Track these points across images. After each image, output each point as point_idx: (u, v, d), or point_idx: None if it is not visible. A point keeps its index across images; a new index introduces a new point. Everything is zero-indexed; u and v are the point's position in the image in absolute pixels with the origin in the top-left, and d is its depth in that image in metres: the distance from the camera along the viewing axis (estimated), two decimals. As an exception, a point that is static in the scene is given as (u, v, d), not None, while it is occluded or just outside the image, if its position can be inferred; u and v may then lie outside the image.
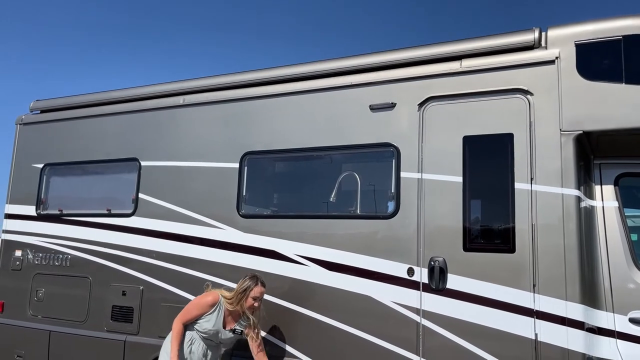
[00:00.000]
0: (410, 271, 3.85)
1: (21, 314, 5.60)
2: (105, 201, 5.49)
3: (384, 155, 4.15)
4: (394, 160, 4.04)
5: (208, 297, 3.92)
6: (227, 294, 3.92)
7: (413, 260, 3.85)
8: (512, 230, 3.57)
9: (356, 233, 4.10)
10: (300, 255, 4.28)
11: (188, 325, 3.95)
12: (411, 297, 3.82)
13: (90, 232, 5.39)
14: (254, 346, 3.94)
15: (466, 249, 3.69)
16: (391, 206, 4.01)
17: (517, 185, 3.59)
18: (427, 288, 3.78)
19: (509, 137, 3.67)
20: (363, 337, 3.90)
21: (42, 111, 6.15)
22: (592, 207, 3.61)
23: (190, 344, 3.92)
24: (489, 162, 3.76)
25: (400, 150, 4.01)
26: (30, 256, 5.70)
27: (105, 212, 5.38)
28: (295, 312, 4.22)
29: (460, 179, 3.78)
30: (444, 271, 3.73)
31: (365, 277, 4.00)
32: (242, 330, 3.95)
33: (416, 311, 3.79)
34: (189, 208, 4.87)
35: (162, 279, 4.87)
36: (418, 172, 3.93)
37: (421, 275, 3.81)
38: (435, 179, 3.86)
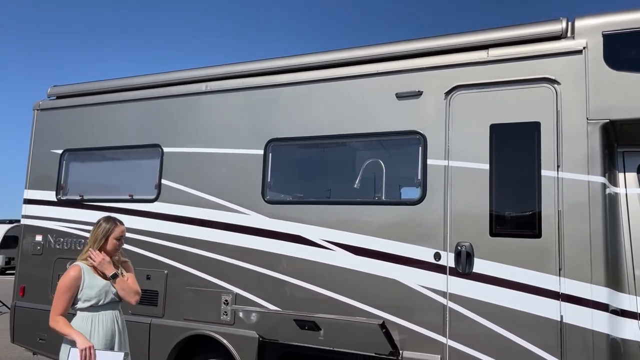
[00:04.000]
0: (437, 256, 3.95)
1: (43, 298, 5.67)
2: (127, 187, 5.55)
3: (410, 142, 4.23)
4: (420, 148, 4.13)
5: (69, 272, 3.44)
6: (84, 255, 3.54)
7: (440, 245, 3.96)
8: (539, 216, 3.68)
9: (382, 219, 4.20)
10: (326, 240, 4.37)
11: (79, 313, 3.45)
12: (438, 280, 3.93)
13: (112, 218, 5.45)
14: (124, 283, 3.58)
15: (493, 234, 3.80)
16: (418, 193, 4.11)
17: (544, 173, 3.69)
18: (453, 272, 3.89)
19: (536, 125, 3.76)
20: (390, 320, 4.01)
21: (59, 97, 6.17)
22: (616, 193, 3.72)
23: (91, 323, 3.42)
24: (515, 149, 3.85)
25: (427, 138, 4.10)
26: (51, 241, 5.77)
27: (128, 197, 5.45)
28: (321, 294, 4.32)
29: (487, 166, 3.87)
30: (470, 256, 3.84)
31: (391, 261, 4.11)
32: (121, 273, 3.61)
33: (443, 294, 3.91)
34: (212, 194, 4.94)
35: (187, 263, 4.96)
36: (445, 159, 4.02)
37: (448, 259, 3.92)
38: (462, 166, 3.96)
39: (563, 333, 3.52)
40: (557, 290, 3.57)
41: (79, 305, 3.46)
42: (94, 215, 5.52)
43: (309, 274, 4.40)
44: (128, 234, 5.30)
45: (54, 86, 6.20)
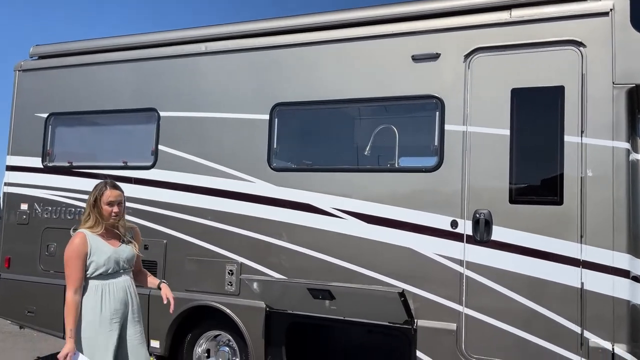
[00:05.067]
0: (454, 223, 3.87)
1: (31, 269, 5.41)
2: (120, 153, 5.28)
3: (427, 107, 4.09)
4: (437, 113, 3.99)
5: (73, 240, 3.23)
6: (87, 223, 3.28)
7: (457, 212, 3.87)
8: (561, 182, 3.61)
9: (397, 186, 4.08)
10: (337, 208, 4.23)
11: (88, 282, 3.23)
12: (454, 249, 3.85)
13: (104, 185, 5.18)
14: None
15: (512, 201, 3.72)
16: (434, 159, 3.99)
17: (567, 138, 3.61)
18: (471, 240, 3.81)
19: (560, 89, 3.65)
20: (404, 289, 3.92)
21: (42, 57, 5.77)
22: (638, 160, 3.67)
23: (101, 293, 3.21)
24: (538, 114, 3.75)
25: (445, 103, 3.96)
26: (38, 210, 5.47)
27: (122, 164, 5.18)
28: (331, 264, 4.20)
29: (507, 132, 3.77)
30: (489, 223, 3.76)
31: (406, 229, 4.01)
32: (131, 237, 3.44)
33: (459, 262, 3.84)
34: (214, 160, 4.72)
35: (188, 233, 4.77)
36: (463, 124, 3.89)
37: (465, 227, 3.83)
38: (482, 132, 3.84)
39: (583, 300, 3.50)
40: (578, 257, 3.53)
41: (88, 273, 3.24)
42: (85, 183, 5.27)
43: (318, 243, 4.27)
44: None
45: (37, 45, 5.79)
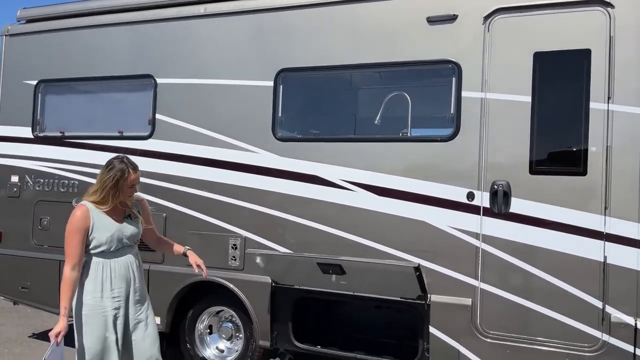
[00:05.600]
0: (470, 195, 3.69)
1: (24, 243, 5.21)
2: (115, 122, 5.02)
3: (443, 73, 3.88)
4: (454, 79, 3.77)
5: (75, 212, 3.05)
6: (93, 197, 3.10)
7: (474, 184, 3.69)
8: (585, 152, 3.43)
9: (410, 157, 3.89)
10: (346, 180, 4.04)
11: (90, 257, 3.09)
12: (470, 221, 3.69)
13: (99, 156, 4.90)
14: (146, 221, 3.33)
15: (533, 171, 3.55)
16: (450, 128, 3.79)
17: (593, 105, 3.42)
18: (488, 212, 3.65)
19: (586, 53, 3.45)
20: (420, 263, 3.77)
21: (30, 21, 5.44)
22: (665, 129, 3.49)
23: (102, 271, 3.07)
24: (562, 80, 3.55)
25: (462, 68, 3.74)
26: (29, 182, 5.23)
27: (117, 134, 4.93)
28: (339, 238, 4.03)
29: (529, 99, 3.57)
30: (507, 195, 3.59)
31: (419, 202, 3.83)
32: (138, 212, 3.27)
33: (475, 236, 3.68)
34: (216, 130, 4.49)
35: (188, 206, 4.56)
36: (481, 91, 3.68)
37: (482, 199, 3.67)
38: (501, 99, 3.64)
39: (606, 274, 3.36)
40: (602, 230, 3.38)
41: (90, 249, 3.06)
42: (78, 154, 5.04)
43: (326, 217, 4.09)
44: (118, 175, 4.89)
45: (25, 8, 5.45)
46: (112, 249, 3.10)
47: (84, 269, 3.07)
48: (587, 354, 3.38)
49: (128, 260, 3.16)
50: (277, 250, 4.19)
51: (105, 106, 5.20)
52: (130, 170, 3.12)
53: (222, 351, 4.68)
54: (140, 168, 4.67)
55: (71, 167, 5.03)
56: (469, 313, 3.67)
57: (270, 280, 4.23)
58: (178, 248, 3.48)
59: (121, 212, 3.19)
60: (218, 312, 4.71)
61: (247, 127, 4.38)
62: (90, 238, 3.05)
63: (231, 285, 4.39)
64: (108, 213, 3.11)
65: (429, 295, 3.76)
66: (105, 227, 3.08)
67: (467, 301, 3.68)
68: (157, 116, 4.71)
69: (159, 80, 4.71)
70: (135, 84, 4.92)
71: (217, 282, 4.44)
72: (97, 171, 4.78)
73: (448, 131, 3.79)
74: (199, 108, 4.56)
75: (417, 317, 3.84)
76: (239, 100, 4.41)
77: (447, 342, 3.72)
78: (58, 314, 4.74)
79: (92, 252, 3.07)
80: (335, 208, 4.05)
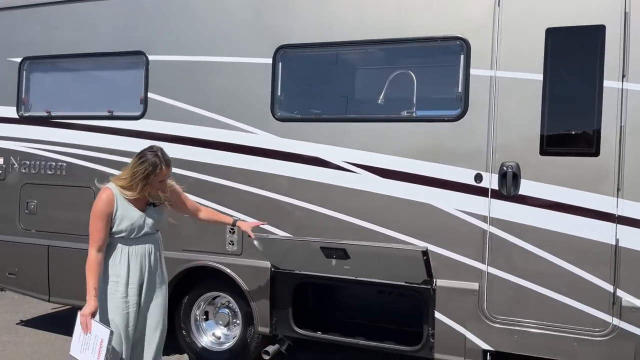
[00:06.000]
0: (478, 177, 3.58)
1: (10, 228, 5.01)
2: (105, 101, 4.80)
3: (450, 50, 3.73)
4: (462, 56, 3.62)
5: (101, 195, 3.04)
6: (121, 182, 3.07)
7: (482, 165, 3.58)
8: (598, 132, 3.33)
9: (416, 137, 3.75)
10: (349, 162, 3.90)
11: (111, 242, 3.11)
12: (478, 204, 3.58)
13: (88, 137, 4.74)
14: (181, 205, 3.42)
15: (543, 152, 3.44)
16: (457, 107, 3.65)
17: (606, 83, 3.31)
18: (496, 195, 3.54)
19: (600, 29, 3.32)
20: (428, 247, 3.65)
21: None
22: (679, 108, 3.40)
23: (120, 256, 3.11)
24: (574, 57, 3.42)
25: (471, 44, 3.59)
26: (14, 164, 5.00)
27: (107, 114, 4.72)
28: (342, 221, 3.91)
29: (540, 77, 3.44)
30: (517, 176, 3.48)
31: (425, 184, 3.71)
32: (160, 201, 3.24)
33: (483, 219, 3.57)
34: (212, 110, 4.31)
35: (183, 189, 4.37)
36: (491, 69, 3.55)
37: (491, 181, 3.55)
38: (512, 77, 3.51)
39: (617, 258, 3.28)
40: (614, 212, 3.29)
41: (112, 232, 3.10)
42: (66, 135, 4.82)
43: (328, 200, 3.95)
44: (109, 156, 4.70)
45: (5, -20, 5.17)
46: (131, 236, 3.11)
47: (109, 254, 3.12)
48: (597, 339, 3.32)
49: (146, 249, 3.17)
50: (277, 235, 4.05)
51: (94, 84, 4.97)
52: (163, 166, 3.07)
53: (218, 338, 4.56)
54: (132, 149, 4.61)
55: (58, 148, 4.81)
56: (475, 297, 3.58)
57: (269, 266, 4.10)
58: (225, 219, 3.67)
59: (145, 200, 3.17)
60: (214, 298, 4.58)
61: (245, 107, 4.20)
62: (112, 222, 3.06)
63: (228, 270, 4.26)
64: (132, 201, 3.09)
65: (434, 280, 3.66)
66: (127, 216, 3.08)
67: (474, 285, 3.58)
68: (149, 95, 4.51)
69: (150, 57, 4.50)
70: (125, 61, 4.69)
71: (214, 267, 4.30)
72: (86, 153, 4.76)
73: (456, 111, 3.65)
74: (193, 87, 4.36)
75: (422, 302, 3.74)
76: (236, 78, 4.23)
77: (453, 327, 3.63)
78: (46, 300, 4.61)
79: (113, 235, 3.10)
80: (338, 191, 3.92)
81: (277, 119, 4.10)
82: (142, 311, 3.18)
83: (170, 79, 4.45)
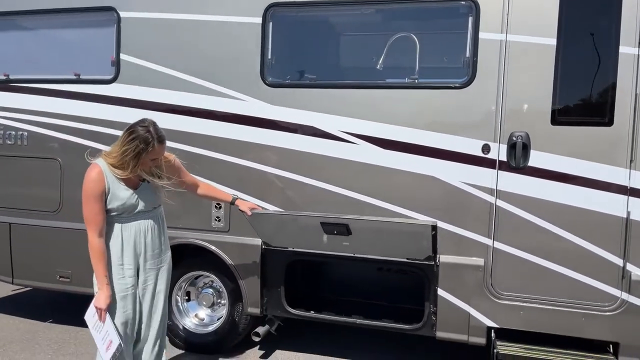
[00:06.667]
0: (486, 148, 3.40)
1: (-36, 205, 4.50)
2: (71, 64, 4.32)
3: (458, 11, 3.49)
4: (470, 18, 3.39)
5: (89, 174, 2.75)
6: (111, 159, 2.78)
7: (489, 135, 3.39)
8: (612, 100, 3.19)
9: (419, 105, 3.52)
10: (346, 131, 3.64)
11: (107, 223, 2.85)
12: (485, 176, 3.41)
13: (53, 103, 4.27)
14: (179, 181, 3.14)
15: (555, 122, 3.28)
16: (465, 74, 3.43)
17: (622, 49, 3.16)
18: (504, 166, 3.38)
19: (618, -8, 3.15)
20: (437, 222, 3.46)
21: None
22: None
23: (113, 233, 2.87)
24: (589, 21, 3.24)
25: (480, 6, 3.36)
26: (-32, 134, 4.47)
27: (73, 77, 4.25)
28: (340, 195, 3.67)
29: (553, 41, 3.26)
30: (526, 147, 3.32)
31: (429, 155, 3.50)
32: (157, 175, 2.94)
33: (490, 192, 3.41)
34: (195, 74, 3.93)
35: (163, 161, 4.01)
36: (502, 32, 3.33)
37: (499, 152, 3.38)
38: (523, 41, 3.31)
39: (628, 231, 3.19)
40: (626, 184, 3.18)
41: (111, 215, 2.86)
42: (27, 101, 4.32)
43: (323, 173, 3.69)
44: (77, 125, 4.27)
45: None
46: (123, 215, 2.87)
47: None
48: (606, 313, 3.25)
49: (140, 226, 2.91)
50: (268, 210, 3.78)
51: (59, 45, 4.46)
52: (156, 143, 2.76)
53: (202, 319, 4.28)
54: (103, 117, 4.20)
55: (19, 115, 4.33)
56: (481, 273, 3.44)
57: (260, 243, 3.83)
58: (224, 196, 3.46)
59: (137, 177, 2.88)
60: (196, 278, 4.28)
61: (232, 71, 3.85)
62: (107, 204, 2.82)
63: (213, 248, 3.96)
64: (123, 179, 2.82)
65: (438, 256, 3.50)
66: (117, 196, 2.82)
67: (480, 261, 3.44)
68: (122, 57, 4.08)
69: (122, 14, 4.05)
70: (94, 18, 4.21)
71: (198, 245, 3.99)
72: (51, 121, 4.29)
73: (463, 77, 3.43)
74: (173, 48, 3.96)
75: (424, 279, 3.57)
76: (222, 39, 3.86)
77: (457, 305, 3.49)
78: (10, 282, 4.23)
79: (112, 217, 2.87)
80: (334, 163, 3.66)
81: (267, 85, 3.78)
82: (142, 292, 2.95)
83: (145, 38, 4.03)
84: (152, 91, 4.03)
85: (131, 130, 2.76)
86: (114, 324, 2.79)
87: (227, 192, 3.58)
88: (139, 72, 4.05)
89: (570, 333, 3.31)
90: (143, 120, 2.81)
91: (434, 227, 3.22)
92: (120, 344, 2.74)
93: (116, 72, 4.10)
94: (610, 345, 3.32)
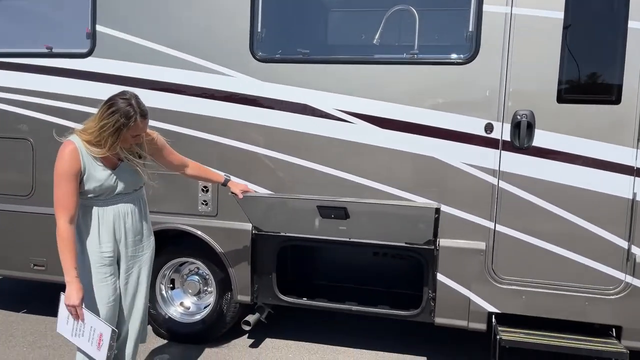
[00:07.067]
0: (489, 127, 3.25)
1: None
2: (42, 36, 4.00)
3: (460, -18, 3.30)
4: (474, -10, 3.22)
5: (63, 152, 2.47)
6: (86, 136, 2.50)
7: (493, 114, 3.25)
8: (620, 77, 3.07)
9: (419, 82, 3.34)
10: (342, 110, 3.45)
11: (84, 206, 2.60)
12: (487, 157, 3.27)
13: (22, 79, 3.96)
14: (163, 159, 2.94)
15: (561, 100, 3.15)
16: (467, 49, 3.27)
17: (631, 24, 3.02)
18: (508, 146, 3.24)
19: (628, -37, 3.01)
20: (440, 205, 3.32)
21: None
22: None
23: (92, 218, 2.62)
24: (599, -6, 3.11)
25: (484, -24, 3.18)
26: None
27: (45, 51, 3.94)
28: (335, 177, 3.49)
29: (560, 15, 3.11)
30: (531, 126, 3.19)
31: (428, 135, 3.34)
32: (137, 155, 2.70)
33: (492, 173, 3.28)
34: (176, 47, 3.67)
35: (144, 141, 3.75)
36: (507, 5, 3.17)
37: (502, 131, 3.24)
38: (530, 14, 3.15)
39: (634, 212, 3.11)
40: (632, 164, 3.09)
41: (86, 197, 2.60)
42: (-8, 76, 4.00)
43: (317, 153, 3.51)
44: (48, 102, 3.97)
45: None
46: (101, 198, 2.62)
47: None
48: (609, 297, 3.17)
49: (120, 210, 2.66)
50: (259, 193, 3.57)
51: (29, 16, 4.12)
52: (138, 118, 2.49)
53: (188, 308, 4.08)
54: (77, 94, 3.91)
55: (-16, 92, 3.99)
56: (482, 257, 3.32)
57: (250, 228, 3.64)
58: (216, 177, 3.23)
59: (116, 156, 2.63)
60: (180, 265, 4.07)
61: (218, 45, 3.60)
62: (82, 186, 2.55)
63: (199, 233, 3.75)
64: (100, 158, 2.57)
65: (438, 240, 3.36)
66: (94, 176, 2.57)
67: (481, 245, 3.32)
68: (99, 28, 3.78)
69: (98, -18, 3.75)
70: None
71: (184, 230, 3.77)
72: (20, 98, 3.97)
73: (465, 52, 3.27)
74: (154, 19, 3.69)
75: (423, 263, 3.44)
76: (207, 9, 3.60)
77: (457, 290, 3.38)
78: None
79: (87, 199, 2.60)
80: (329, 143, 3.47)
81: (257, 60, 3.55)
82: (124, 282, 2.73)
83: (123, 8, 3.74)
84: (132, 66, 3.75)
85: (111, 102, 2.49)
86: (96, 316, 2.54)
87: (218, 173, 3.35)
88: (117, 45, 3.76)
89: (573, 317, 3.23)
90: (123, 93, 2.55)
91: (437, 210, 3.08)
92: (113, 330, 2.49)
93: (92, 45, 3.81)
94: (613, 329, 3.26)
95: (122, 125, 2.45)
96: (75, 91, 3.87)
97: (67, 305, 2.47)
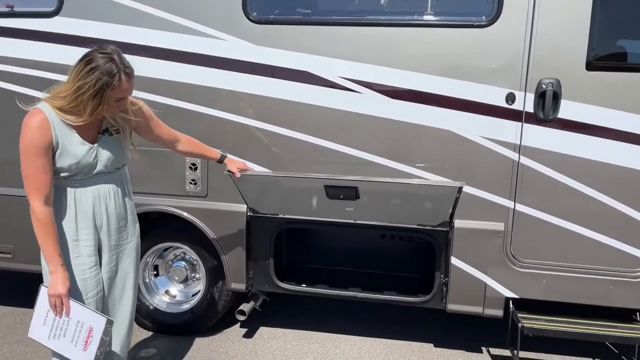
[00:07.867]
0: (510, 97, 2.96)
1: None
2: (0, -8, 3.48)
3: None
4: (497, -58, 2.88)
5: (30, 121, 2.07)
6: (59, 101, 2.10)
7: (515, 83, 2.95)
8: (656, 43, 2.81)
9: (433, 47, 3.01)
10: (347, 78, 3.10)
11: (56, 187, 2.18)
12: (508, 130, 2.99)
13: (-22, 42, 3.45)
14: (151, 133, 2.58)
15: (590, 67, 2.87)
16: (488, 9, 2.94)
17: (671, -16, 2.76)
18: (531, 118, 2.96)
19: None
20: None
21: None
22: None
23: (67, 201, 2.23)
24: (635, -50, 2.81)
25: None
26: None
27: (5, 9, 3.44)
28: (340, 153, 3.16)
29: (593, -28, 2.81)
30: (557, 96, 2.91)
31: (444, 106, 3.04)
32: (117, 129, 2.31)
33: (513, 147, 3.00)
34: (160, 7, 3.24)
35: (123, 113, 3.33)
36: (533, -40, 2.85)
37: (525, 102, 2.95)
38: (559, -29, 2.84)
39: (667, 190, 2.89)
40: (665, 138, 2.86)
41: (60, 177, 2.19)
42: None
43: (320, 126, 3.16)
44: (9, 68, 3.50)
45: None
46: (78, 178, 2.22)
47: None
48: (636, 280, 2.97)
49: (101, 191, 2.28)
50: (257, 171, 3.22)
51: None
52: (122, 76, 2.07)
53: (174, 296, 3.74)
54: (43, 58, 3.45)
55: None
56: (500, 239, 3.07)
57: (245, 209, 3.29)
58: (211, 153, 2.87)
59: (96, 126, 2.22)
60: (164, 250, 3.71)
61: (207, 4, 3.18)
62: (54, 164, 2.15)
63: (187, 215, 3.39)
64: (76, 128, 2.16)
65: (453, 221, 3.09)
66: (69, 151, 2.15)
67: (499, 226, 3.06)
68: (67, -17, 3.30)
69: None
70: None
71: (170, 212, 3.40)
72: None
73: (485, 14, 2.95)
74: (131, -27, 3.23)
75: (435, 246, 3.17)
76: (193, -37, 3.16)
77: (472, 274, 3.13)
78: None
79: (57, 176, 2.19)
80: (334, 114, 3.13)
81: (251, 21, 3.15)
82: (107, 276, 2.35)
83: (96, -39, 3.26)
84: (105, 27, 3.30)
85: (89, 59, 2.05)
86: (85, 305, 2.17)
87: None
88: (88, 2, 3.30)
89: (597, 302, 3.03)
90: (103, 47, 2.11)
91: (460, 189, 2.79)
92: (108, 320, 2.13)
93: (59, 3, 3.33)
94: (638, 314, 3.08)
95: (104, 85, 2.03)
96: (40, 56, 3.40)
97: (51, 296, 2.09)
